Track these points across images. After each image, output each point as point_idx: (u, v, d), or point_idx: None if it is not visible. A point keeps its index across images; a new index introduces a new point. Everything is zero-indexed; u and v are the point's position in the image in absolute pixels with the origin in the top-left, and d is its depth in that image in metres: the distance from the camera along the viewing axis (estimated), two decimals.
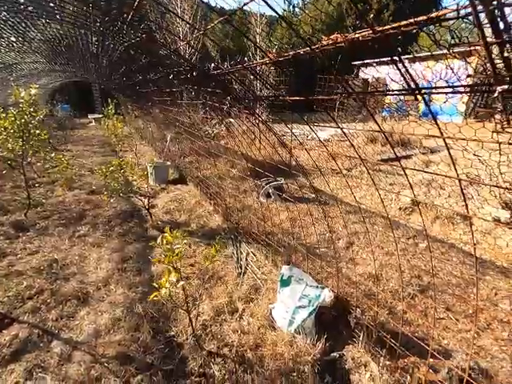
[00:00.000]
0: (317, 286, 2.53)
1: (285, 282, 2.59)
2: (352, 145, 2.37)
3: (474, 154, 1.30)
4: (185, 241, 2.19)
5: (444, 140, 1.39)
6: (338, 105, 11.99)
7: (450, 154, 1.36)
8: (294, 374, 2.10)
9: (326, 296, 2.42)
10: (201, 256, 3.61)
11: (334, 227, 4.45)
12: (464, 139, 1.14)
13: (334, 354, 2.31)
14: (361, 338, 2.30)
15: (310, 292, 2.51)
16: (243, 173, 5.84)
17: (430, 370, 2.12)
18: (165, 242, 2.06)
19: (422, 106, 12.81)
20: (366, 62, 16.35)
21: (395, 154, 2.45)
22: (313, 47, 1.31)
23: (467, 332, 2.56)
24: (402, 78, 1.28)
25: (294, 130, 5.23)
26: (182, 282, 2.06)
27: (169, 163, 7.30)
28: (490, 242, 3.90)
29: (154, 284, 2.04)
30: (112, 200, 4.82)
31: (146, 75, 3.71)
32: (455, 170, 1.54)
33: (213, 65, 1.89)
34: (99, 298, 2.93)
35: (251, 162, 5.03)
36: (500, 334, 2.53)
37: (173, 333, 2.49)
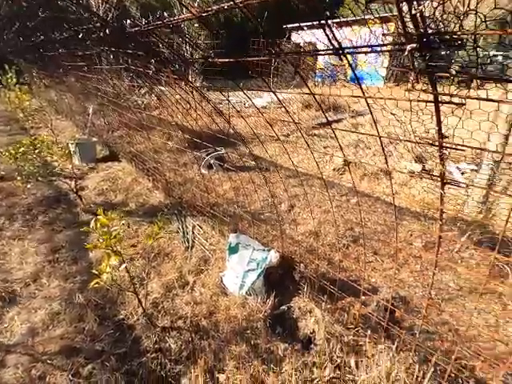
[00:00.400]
0: (263, 249, 2.65)
1: (233, 250, 2.65)
2: (287, 111, 2.41)
3: (391, 113, 1.44)
4: (123, 221, 2.05)
5: (366, 100, 1.49)
6: (273, 70, 11.93)
7: (371, 114, 1.48)
8: (248, 332, 2.24)
9: (273, 257, 2.57)
10: (144, 235, 3.45)
11: (276, 192, 4.63)
12: (382, 98, 1.23)
13: (283, 307, 2.51)
14: (305, 290, 2.53)
15: (257, 255, 2.62)
16: (181, 145, 5.57)
17: (363, 306, 2.47)
18: (99, 225, 1.89)
19: (349, 72, 13.51)
20: (297, 25, 16.29)
21: (327, 118, 2.57)
22: (236, 1, 1.23)
23: (390, 269, 3.00)
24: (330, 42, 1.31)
25: (230, 98, 5.07)
26: (124, 265, 1.96)
27: (95, 139, 6.55)
28: (406, 192, 4.52)
29: (94, 271, 1.90)
30: (29, 186, 4.21)
31: (50, 34, 3.11)
32: (377, 129, 1.69)
33: (129, 21, 1.65)
34: (30, 294, 2.63)
35: (188, 132, 4.79)
36: (414, 267, 3.03)
37: (122, 316, 2.40)
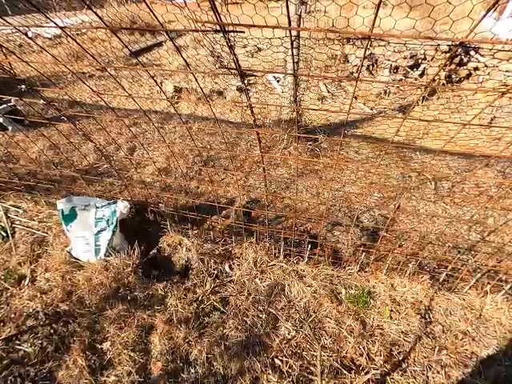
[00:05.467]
0: (108, 204, 2.33)
1: (69, 217, 2.21)
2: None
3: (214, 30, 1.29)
4: None
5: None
6: None
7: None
8: (121, 290, 2.09)
9: (122, 208, 2.31)
10: None
11: (110, 138, 3.99)
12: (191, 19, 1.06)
13: (152, 251, 2.43)
14: (169, 227, 2.49)
15: (104, 213, 2.30)
16: None
17: (224, 219, 2.70)
18: None
19: None
20: None
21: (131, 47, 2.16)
22: None
23: (241, 179, 3.32)
24: None
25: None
26: None
27: None
28: (239, 109, 4.80)
29: None
30: None
31: None
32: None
33: None
34: None
35: None
36: (257, 171, 3.46)
37: None
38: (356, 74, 5.66)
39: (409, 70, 5.27)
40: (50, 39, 7.63)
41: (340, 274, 2.17)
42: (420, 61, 5.26)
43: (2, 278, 2.12)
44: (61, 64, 2.32)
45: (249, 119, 4.50)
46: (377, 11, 0.62)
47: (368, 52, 5.69)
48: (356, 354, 1.77)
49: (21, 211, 2.72)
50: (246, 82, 1.13)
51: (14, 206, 2.77)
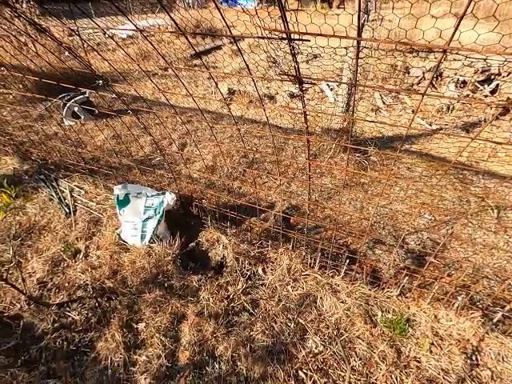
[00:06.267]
0: (157, 194, 2.49)
1: (123, 202, 2.40)
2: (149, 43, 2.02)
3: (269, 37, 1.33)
4: None
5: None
6: None
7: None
8: (160, 277, 2.21)
9: (169, 199, 2.45)
10: None
11: (165, 132, 4.26)
12: (259, 26, 1.10)
13: (192, 244, 2.53)
14: (209, 222, 2.58)
15: (152, 202, 2.46)
16: (28, 92, 4.32)
17: (262, 222, 2.71)
18: None
19: None
20: None
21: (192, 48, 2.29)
22: None
23: (283, 185, 3.32)
24: None
25: (84, 27, 4.01)
26: None
27: None
28: (289, 115, 4.82)
29: None
30: None
31: None
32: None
33: None
34: None
35: (33, 75, 3.71)
36: (301, 178, 3.42)
37: None
38: (416, 87, 5.33)
39: (478, 85, 4.83)
40: (123, 39, 8.40)
41: (377, 295, 2.05)
42: (493, 76, 4.78)
43: (62, 249, 2.38)
44: (131, 62, 2.54)
45: (296, 125, 4.48)
46: (458, 23, 0.58)
47: (431, 64, 5.34)
48: (386, 382, 1.65)
49: (83, 192, 3.03)
50: (302, 89, 1.14)
51: (77, 186, 3.09)
